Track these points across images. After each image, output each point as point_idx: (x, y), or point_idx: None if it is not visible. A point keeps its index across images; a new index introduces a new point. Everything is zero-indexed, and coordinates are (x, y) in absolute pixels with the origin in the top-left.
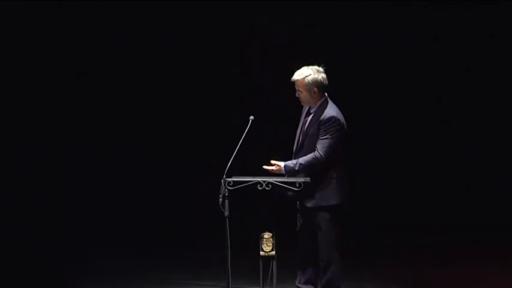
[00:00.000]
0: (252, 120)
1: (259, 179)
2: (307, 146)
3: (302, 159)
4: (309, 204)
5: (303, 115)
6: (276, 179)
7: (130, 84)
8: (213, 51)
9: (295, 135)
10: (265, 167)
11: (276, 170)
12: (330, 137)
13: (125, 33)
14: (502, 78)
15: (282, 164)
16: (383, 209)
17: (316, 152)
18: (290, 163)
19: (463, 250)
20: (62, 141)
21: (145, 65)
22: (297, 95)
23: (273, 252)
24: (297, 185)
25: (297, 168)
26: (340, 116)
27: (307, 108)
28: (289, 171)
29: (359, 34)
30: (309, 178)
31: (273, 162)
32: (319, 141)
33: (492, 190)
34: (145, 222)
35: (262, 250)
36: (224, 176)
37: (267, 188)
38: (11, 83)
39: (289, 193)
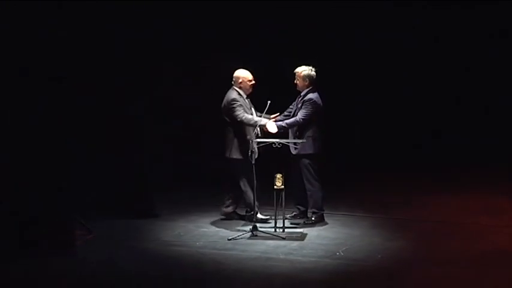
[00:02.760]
0: (270, 103)
1: (273, 140)
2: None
3: (288, 121)
4: (294, 152)
5: (298, 98)
6: (284, 141)
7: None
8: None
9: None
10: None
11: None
12: (306, 110)
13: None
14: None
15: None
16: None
17: (297, 117)
18: (280, 123)
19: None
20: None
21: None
22: (295, 82)
23: (283, 187)
24: (297, 144)
25: (284, 125)
26: (317, 99)
27: (300, 92)
28: (279, 128)
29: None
30: (305, 140)
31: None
32: (300, 112)
33: None
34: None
35: (276, 185)
36: (252, 139)
37: (278, 146)
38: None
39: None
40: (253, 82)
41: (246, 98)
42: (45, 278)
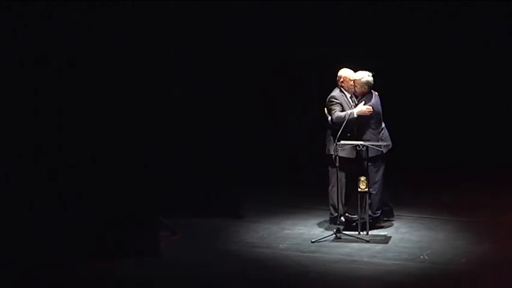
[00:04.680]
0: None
1: (357, 143)
2: None
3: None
4: (384, 151)
5: (351, 98)
6: (366, 143)
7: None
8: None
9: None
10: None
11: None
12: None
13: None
14: None
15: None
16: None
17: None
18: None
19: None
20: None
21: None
22: (351, 88)
23: (367, 189)
24: (382, 147)
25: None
26: (374, 104)
27: (350, 95)
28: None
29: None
30: (390, 144)
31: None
32: None
33: None
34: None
35: (360, 188)
36: (336, 141)
37: (363, 149)
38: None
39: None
40: None
41: (351, 97)
42: (128, 280)
